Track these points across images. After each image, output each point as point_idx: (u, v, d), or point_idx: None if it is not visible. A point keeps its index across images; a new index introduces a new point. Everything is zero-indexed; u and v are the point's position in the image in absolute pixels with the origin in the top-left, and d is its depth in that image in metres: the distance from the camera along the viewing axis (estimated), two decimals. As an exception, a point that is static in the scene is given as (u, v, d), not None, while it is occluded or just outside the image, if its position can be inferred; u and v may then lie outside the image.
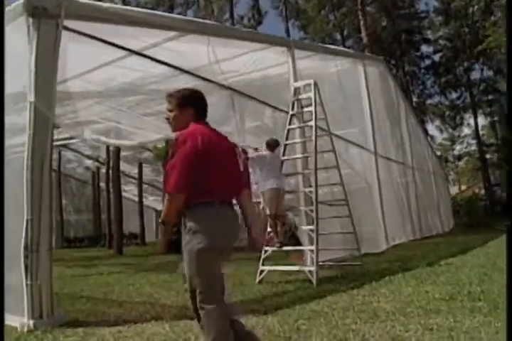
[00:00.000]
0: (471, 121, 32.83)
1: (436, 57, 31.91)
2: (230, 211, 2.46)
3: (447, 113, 33.88)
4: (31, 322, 3.42)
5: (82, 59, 5.76)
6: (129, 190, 18.72)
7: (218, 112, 8.56)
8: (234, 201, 2.58)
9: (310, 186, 6.44)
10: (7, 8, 4.14)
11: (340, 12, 28.53)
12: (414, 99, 30.60)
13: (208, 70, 7.36)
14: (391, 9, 28.64)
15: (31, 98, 3.75)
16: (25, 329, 3.37)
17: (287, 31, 29.53)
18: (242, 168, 2.65)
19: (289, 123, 6.64)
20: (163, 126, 2.87)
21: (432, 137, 31.93)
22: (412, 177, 15.16)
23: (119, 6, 9.76)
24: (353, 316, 3.42)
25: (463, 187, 44.48)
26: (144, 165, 17.22)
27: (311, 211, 6.10)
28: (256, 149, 6.74)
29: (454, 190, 37.13)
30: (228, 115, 9.13)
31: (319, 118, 6.43)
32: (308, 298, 4.33)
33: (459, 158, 43.02)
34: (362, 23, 20.12)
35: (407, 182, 14.36)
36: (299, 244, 6.71)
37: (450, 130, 36.42)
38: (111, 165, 14.29)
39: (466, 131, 39.56)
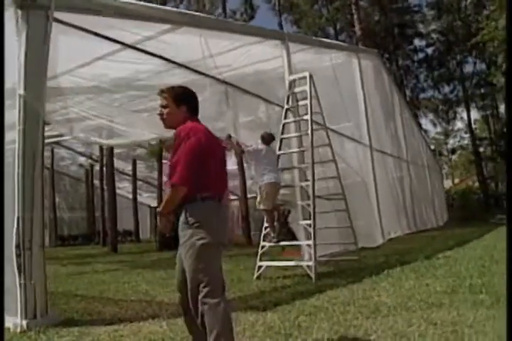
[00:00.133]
0: (464, 115, 32.96)
1: (430, 51, 31.95)
2: (224, 207, 2.53)
3: (440, 107, 33.94)
4: (24, 322, 3.32)
5: (73, 53, 5.64)
6: (123, 187, 18.59)
7: (212, 108, 8.49)
8: None
9: (306, 180, 6.38)
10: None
11: (333, 6, 28.38)
12: (408, 94, 30.59)
13: (202, 65, 7.27)
14: (384, 3, 28.56)
15: (21, 91, 3.64)
16: (18, 330, 3.28)
17: (280, 25, 29.42)
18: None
19: (285, 117, 6.56)
20: (156, 123, 2.79)
21: (425, 131, 31.94)
22: (407, 170, 15.18)
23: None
24: (354, 311, 3.36)
25: (456, 181, 44.71)
26: (138, 161, 17.08)
27: (308, 205, 6.05)
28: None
29: (447, 183, 37.26)
30: (222, 110, 9.05)
31: (315, 111, 6.35)
32: (308, 293, 4.27)
33: (453, 151, 43.20)
34: (355, 16, 20.01)
35: (401, 176, 14.38)
36: (295, 239, 6.66)
37: (444, 124, 36.51)
38: (104, 162, 14.15)
39: (459, 124, 39.73)
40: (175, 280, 2.66)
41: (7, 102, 4.14)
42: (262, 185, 5.73)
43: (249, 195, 13.25)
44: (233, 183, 13.99)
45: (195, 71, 7.24)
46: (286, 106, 6.58)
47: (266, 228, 5.96)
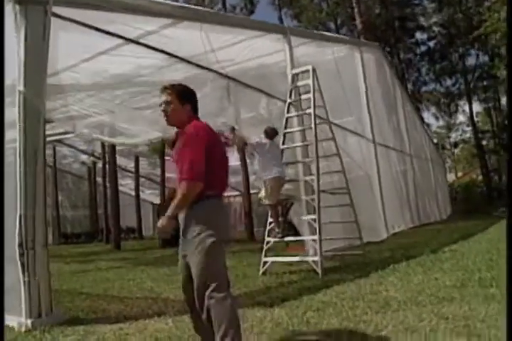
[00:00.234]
0: (466, 108, 32.77)
1: (432, 44, 31.72)
2: (226, 205, 2.50)
3: (442, 100, 33.75)
4: (29, 321, 3.28)
5: (73, 48, 5.59)
6: (126, 184, 18.57)
7: (213, 103, 8.43)
8: None
9: (311, 174, 6.32)
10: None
11: (333, 0, 28.19)
12: (410, 87, 30.42)
13: (204, 59, 7.21)
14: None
15: (21, 88, 3.58)
16: (23, 329, 3.24)
17: (280, 20, 29.23)
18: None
19: (287, 112, 6.49)
20: (159, 120, 2.75)
21: (428, 125, 31.81)
22: (410, 164, 15.12)
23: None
24: (363, 306, 3.31)
25: (459, 174, 44.60)
26: (140, 158, 17.05)
27: (312, 200, 6.00)
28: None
29: (450, 177, 37.14)
30: (223, 106, 8.99)
31: (318, 105, 6.28)
32: (315, 288, 4.22)
33: (455, 145, 43.05)
34: (356, 10, 19.85)
35: (405, 170, 14.32)
36: (297, 233, 6.61)
37: (446, 118, 36.32)
38: (107, 159, 14.10)
39: (461, 118, 39.55)
40: (182, 280, 2.62)
41: (7, 99, 4.09)
42: (266, 179, 5.67)
43: (252, 191, 13.22)
44: (236, 179, 13.94)
45: (198, 65, 7.17)
46: (289, 100, 6.50)
47: (270, 223, 5.91)
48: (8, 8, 3.82)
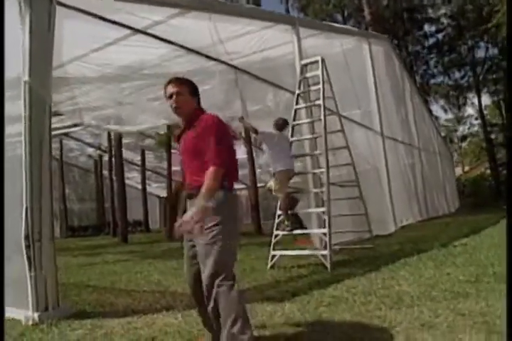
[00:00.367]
0: (475, 101, 32.39)
1: (440, 36, 31.29)
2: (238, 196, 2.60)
3: (451, 93, 33.36)
4: (36, 315, 3.23)
5: (79, 39, 5.51)
6: (132, 178, 18.60)
7: (221, 96, 8.36)
8: None
9: (319, 167, 6.24)
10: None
11: (340, -9, 27.85)
12: (418, 80, 30.09)
13: (212, 51, 7.12)
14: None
15: (26, 78, 3.50)
16: (30, 323, 3.19)
17: (287, 12, 28.91)
18: None
19: (296, 103, 6.39)
20: (166, 110, 2.71)
21: (436, 117, 31.47)
22: (418, 157, 14.99)
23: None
24: (376, 301, 3.23)
25: (466, 168, 44.26)
26: (146, 152, 17.04)
27: (321, 192, 5.91)
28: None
29: (457, 170, 36.85)
30: (230, 99, 8.91)
31: (327, 96, 6.17)
32: (325, 282, 4.14)
33: (463, 138, 42.64)
34: (364, 0, 19.56)
35: (413, 163, 14.19)
36: (303, 227, 6.53)
37: (455, 110, 35.91)
38: (113, 152, 14.07)
39: (470, 111, 39.12)
40: (186, 272, 2.61)
41: (13, 92, 4.01)
42: (276, 172, 5.59)
43: (258, 184, 13.15)
44: (242, 172, 13.84)
45: (206, 56, 7.06)
46: (297, 92, 6.39)
47: (279, 216, 5.83)
48: (13, -1, 3.75)
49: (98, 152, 17.84)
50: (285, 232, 5.72)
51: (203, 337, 2.67)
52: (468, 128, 41.81)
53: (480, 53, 31.32)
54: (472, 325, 2.50)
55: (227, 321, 2.20)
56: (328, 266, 5.04)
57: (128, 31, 5.81)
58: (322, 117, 5.92)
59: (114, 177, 14.37)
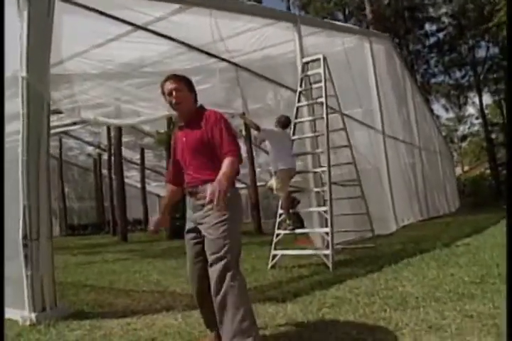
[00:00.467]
0: (476, 100, 32.33)
1: (441, 36, 31.21)
2: None
3: (452, 92, 33.29)
4: (33, 315, 3.17)
5: (79, 34, 5.44)
6: (132, 176, 18.55)
7: (222, 94, 8.29)
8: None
9: (321, 166, 6.18)
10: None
11: (341, -10, 27.75)
12: (419, 79, 30.01)
13: (213, 48, 7.06)
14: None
15: (23, 73, 3.43)
16: (28, 323, 3.13)
17: (288, 10, 28.81)
18: None
19: (298, 101, 6.32)
20: (166, 104, 2.67)
21: (437, 117, 31.41)
22: (419, 156, 14.92)
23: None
24: (380, 302, 3.16)
25: (466, 168, 44.20)
26: (146, 150, 16.99)
27: (323, 192, 5.85)
28: None
29: (457, 170, 36.79)
30: (230, 98, 8.85)
31: (329, 94, 6.11)
32: (327, 283, 4.07)
33: (463, 138, 42.55)
34: (366, -1, 19.52)
35: (414, 162, 14.12)
36: (304, 226, 6.46)
37: (456, 109, 35.82)
38: (112, 151, 14.01)
39: (471, 110, 39.04)
40: (188, 269, 2.56)
41: (11, 90, 3.93)
42: (277, 170, 5.52)
43: (258, 183, 13.09)
44: (242, 171, 13.77)
45: (207, 53, 6.99)
46: (299, 89, 6.33)
47: (280, 215, 5.76)
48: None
49: (97, 150, 17.78)
50: (287, 231, 5.66)
51: (205, 338, 2.62)
52: (469, 128, 41.76)
53: (481, 53, 31.36)
54: (481, 327, 2.43)
55: (237, 315, 2.21)
56: (330, 265, 4.98)
57: (129, 27, 5.75)
58: (324, 115, 5.85)
59: (113, 176, 14.30)
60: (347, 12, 28.92)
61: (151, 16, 5.59)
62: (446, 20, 30.83)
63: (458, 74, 32.26)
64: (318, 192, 6.21)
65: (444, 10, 30.49)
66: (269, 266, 5.39)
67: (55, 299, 3.37)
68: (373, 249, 6.37)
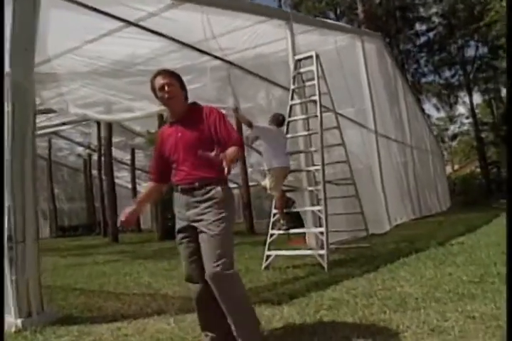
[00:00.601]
0: (466, 100, 32.50)
1: (432, 35, 31.35)
2: None
3: (442, 92, 33.44)
4: (19, 321, 3.03)
5: (66, 31, 5.30)
6: (122, 177, 18.37)
7: (212, 93, 8.19)
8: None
9: (314, 165, 6.09)
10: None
11: (333, -11, 27.69)
12: (409, 78, 30.09)
13: (205, 46, 6.96)
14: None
15: (7, 68, 3.29)
16: (13, 330, 2.99)
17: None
18: None
19: (291, 99, 6.22)
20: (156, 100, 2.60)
21: (428, 116, 31.52)
22: (411, 156, 14.93)
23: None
24: (379, 304, 3.07)
25: (456, 167, 44.46)
26: (136, 151, 16.82)
27: (317, 191, 5.76)
28: None
29: (447, 169, 36.98)
30: (222, 97, 8.75)
31: (322, 92, 6.02)
32: (323, 284, 3.98)
33: (454, 137, 42.79)
34: (358, -1, 19.48)
35: (406, 161, 14.12)
36: (302, 225, 6.37)
37: (447, 108, 35.98)
38: (103, 151, 13.84)
39: (461, 109, 39.25)
40: (184, 269, 2.46)
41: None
42: (271, 168, 5.41)
43: (250, 183, 13.00)
44: (234, 171, 13.67)
45: (200, 51, 6.88)
46: (292, 87, 6.23)
47: (274, 215, 5.66)
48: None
49: (87, 151, 17.60)
50: (281, 232, 5.56)
51: (199, 343, 2.52)
52: (459, 127, 42.00)
53: (470, 52, 31.50)
54: (485, 329, 2.35)
55: (247, 314, 2.33)
56: (325, 266, 4.89)
57: (120, 23, 5.61)
58: (318, 113, 5.76)
59: (103, 177, 14.13)
60: (338, 11, 28.89)
61: (143, 12, 5.45)
62: (436, 20, 30.99)
63: (448, 74, 32.47)
64: (311, 191, 6.13)
65: (434, 10, 30.64)
66: (263, 266, 5.28)
67: (42, 304, 3.24)
68: (368, 248, 6.30)
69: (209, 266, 2.25)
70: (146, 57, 6.87)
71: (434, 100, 34.22)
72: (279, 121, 5.74)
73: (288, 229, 5.51)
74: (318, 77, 5.97)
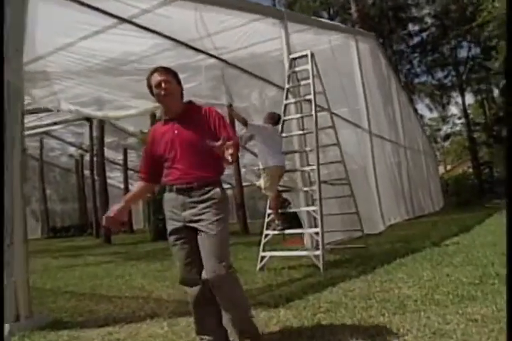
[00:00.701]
0: (459, 100, 32.65)
1: (425, 35, 31.46)
2: None
3: (435, 92, 33.57)
4: (6, 326, 2.93)
5: (58, 28, 5.18)
6: (115, 177, 18.23)
7: (207, 93, 8.12)
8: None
9: (309, 165, 6.02)
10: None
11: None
12: (402, 79, 30.16)
13: (199, 45, 6.89)
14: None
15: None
16: (0, 335, 2.90)
17: (272, 9, 28.60)
18: None
19: (286, 98, 6.15)
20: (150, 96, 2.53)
21: (421, 116, 31.62)
22: (404, 156, 14.94)
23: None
24: (378, 306, 3.00)
25: (448, 167, 44.67)
26: (128, 151, 16.69)
27: (312, 191, 5.69)
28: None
29: (440, 169, 37.11)
30: (215, 96, 8.69)
31: (317, 91, 5.95)
32: (320, 285, 3.90)
33: (446, 137, 42.96)
34: (351, -2, 19.46)
35: (399, 161, 14.12)
36: (293, 226, 6.30)
37: (440, 109, 36.10)
38: (95, 152, 13.69)
39: (453, 110, 39.44)
40: (179, 271, 2.40)
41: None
42: (267, 168, 5.32)
43: (244, 183, 12.94)
44: (227, 171, 13.59)
45: (193, 49, 6.79)
46: (287, 86, 6.16)
47: (269, 215, 5.57)
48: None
49: (79, 151, 17.44)
50: (276, 232, 5.48)
51: (192, 349, 2.44)
52: (451, 128, 42.20)
53: (462, 53, 31.73)
54: (488, 333, 2.28)
55: (240, 310, 2.35)
56: (321, 267, 4.82)
57: (114, 20, 5.50)
58: (313, 112, 5.69)
59: (96, 177, 13.98)
60: (332, 11, 28.88)
61: (136, 8, 5.34)
62: (429, 20, 31.11)
63: (440, 74, 32.61)
64: (306, 192, 6.06)
65: (426, 10, 30.75)
66: (258, 267, 5.19)
67: (30, 308, 3.14)
68: (363, 249, 6.25)
69: (212, 266, 2.24)
70: (140, 55, 6.77)
71: (427, 100, 34.35)
72: (274, 119, 5.66)
73: (283, 229, 5.43)
74: (313, 76, 5.90)
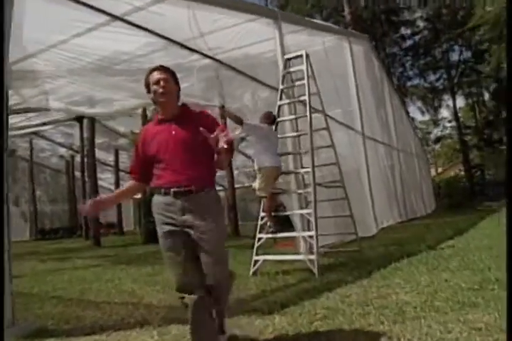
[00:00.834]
0: (450, 103, 32.79)
1: (417, 39, 31.60)
2: None
3: (427, 95, 33.72)
4: (-14, 335, 2.80)
5: (49, 25, 5.05)
6: (106, 178, 18.03)
7: (198, 94, 8.02)
8: None
9: (303, 167, 5.92)
10: None
11: (319, -9, 27.65)
12: (395, 82, 30.25)
13: (193, 45, 6.79)
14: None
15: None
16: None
17: (265, 11, 28.52)
18: None
19: (280, 99, 6.05)
20: (141, 93, 2.45)
21: (412, 119, 31.72)
22: (397, 158, 14.91)
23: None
24: (376, 313, 2.90)
25: (439, 170, 44.89)
26: (120, 152, 16.51)
27: (306, 193, 5.60)
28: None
29: (431, 172, 37.26)
30: (208, 97, 8.60)
31: (312, 92, 5.86)
32: (315, 291, 3.80)
33: (437, 140, 43.15)
34: (345, 0, 19.41)
35: (392, 164, 14.09)
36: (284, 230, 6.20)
37: (432, 112, 36.25)
38: (85, 152, 13.49)
39: (444, 113, 39.64)
40: (177, 280, 2.31)
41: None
42: (263, 168, 5.19)
43: (236, 185, 12.84)
44: (219, 173, 13.47)
45: (187, 48, 6.69)
46: (281, 87, 6.06)
47: (262, 218, 5.46)
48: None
49: (70, 152, 17.24)
50: (269, 235, 5.36)
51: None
52: (441, 131, 42.40)
53: (454, 56, 31.92)
54: (494, 343, 2.20)
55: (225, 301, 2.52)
56: (316, 271, 4.71)
57: (107, 17, 5.38)
58: (308, 114, 5.60)
59: (86, 178, 13.79)
60: (324, 14, 28.86)
61: (129, 5, 5.22)
62: (421, 24, 31.26)
63: (432, 78, 32.78)
64: (300, 194, 5.96)
65: (419, 14, 30.87)
66: (251, 272, 5.08)
67: (14, 315, 3.00)
68: (357, 252, 6.16)
69: (217, 271, 2.28)
70: (133, 54, 6.66)
71: (419, 103, 34.51)
72: (270, 119, 5.55)
73: (275, 232, 5.32)
74: (308, 77, 5.81)
